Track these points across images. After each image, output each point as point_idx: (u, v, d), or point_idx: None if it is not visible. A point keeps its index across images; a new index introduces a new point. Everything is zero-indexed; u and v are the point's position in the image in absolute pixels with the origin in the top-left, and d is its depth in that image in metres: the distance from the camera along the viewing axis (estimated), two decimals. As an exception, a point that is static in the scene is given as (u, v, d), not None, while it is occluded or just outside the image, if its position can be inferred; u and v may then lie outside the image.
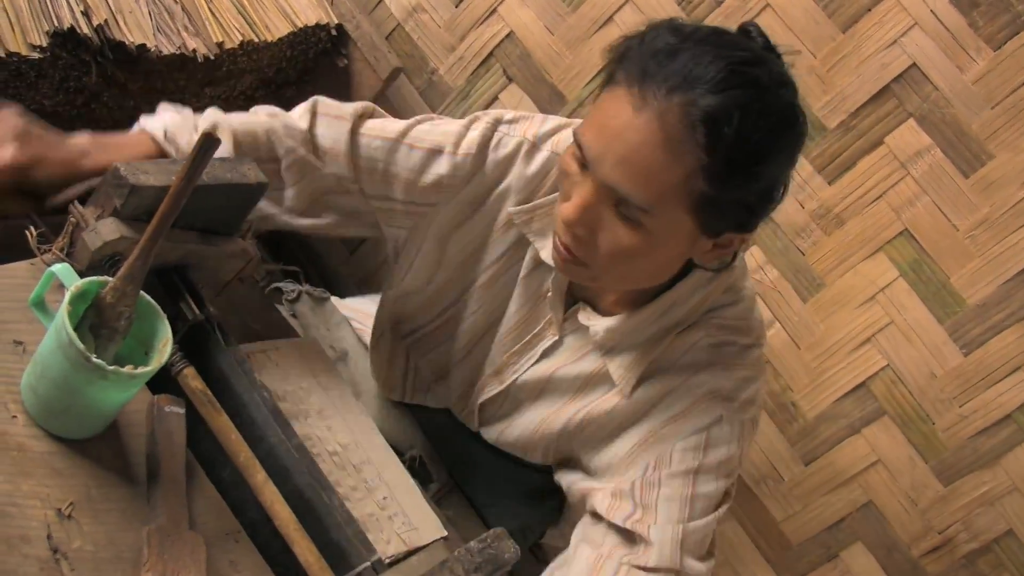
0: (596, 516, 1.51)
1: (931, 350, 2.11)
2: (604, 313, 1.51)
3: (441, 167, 1.53)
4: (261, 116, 1.54)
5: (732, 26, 1.36)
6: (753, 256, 2.22)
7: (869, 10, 2.08)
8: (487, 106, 2.44)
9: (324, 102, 1.58)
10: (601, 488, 1.51)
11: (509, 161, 1.53)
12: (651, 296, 1.46)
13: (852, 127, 2.11)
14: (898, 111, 2.08)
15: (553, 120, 1.56)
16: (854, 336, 2.16)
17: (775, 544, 2.29)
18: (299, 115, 1.56)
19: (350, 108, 1.57)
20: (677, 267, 1.41)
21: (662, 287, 1.45)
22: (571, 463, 1.62)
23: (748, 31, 1.34)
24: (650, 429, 1.49)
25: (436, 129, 1.55)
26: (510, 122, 1.55)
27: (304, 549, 1.13)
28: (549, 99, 2.37)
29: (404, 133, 1.55)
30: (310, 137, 1.54)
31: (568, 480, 1.61)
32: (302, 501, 1.20)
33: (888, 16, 2.06)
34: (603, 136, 1.26)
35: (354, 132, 1.55)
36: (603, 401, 1.53)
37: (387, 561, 1.28)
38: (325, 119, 1.56)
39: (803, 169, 2.13)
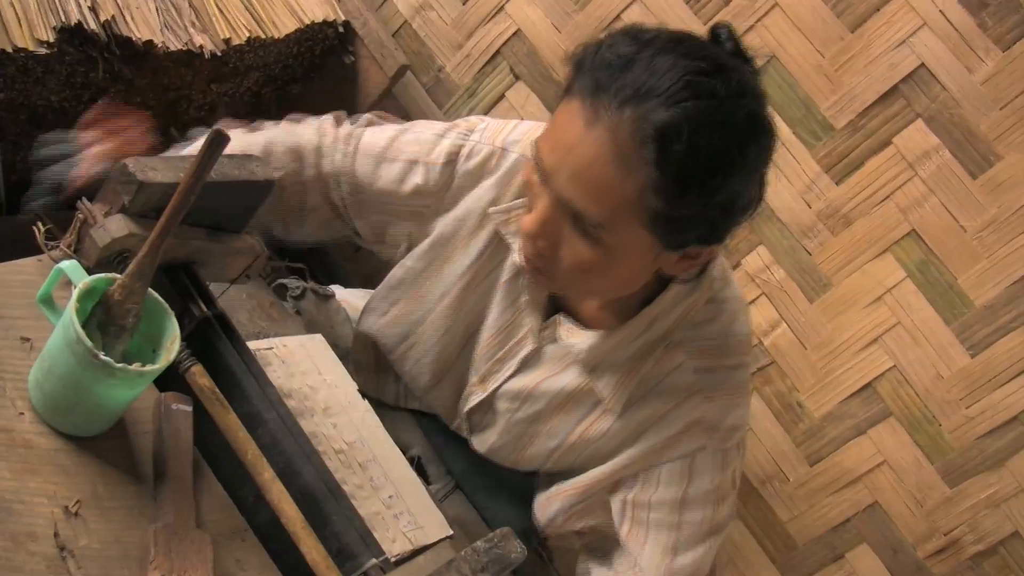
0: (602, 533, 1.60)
1: (938, 351, 2.10)
2: (586, 323, 1.51)
3: (416, 177, 1.56)
4: (309, 133, 1.60)
5: (740, 27, 1.34)
6: (759, 255, 2.22)
7: (878, 10, 2.07)
8: (494, 104, 2.44)
9: (343, 119, 1.65)
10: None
11: (480, 169, 1.54)
12: (633, 306, 1.45)
13: (860, 127, 2.11)
14: (906, 111, 2.08)
15: (527, 124, 1.56)
16: (861, 336, 2.16)
17: (780, 544, 2.29)
18: (335, 141, 1.62)
19: (359, 126, 1.63)
20: (645, 279, 1.39)
21: (644, 298, 1.44)
22: (554, 475, 1.64)
23: (718, 34, 1.30)
24: (641, 451, 1.51)
25: (416, 139, 1.58)
26: (483, 130, 1.56)
27: (311, 547, 1.12)
28: (556, 97, 2.34)
29: (387, 147, 1.58)
30: (318, 153, 1.61)
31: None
32: (309, 499, 1.20)
33: (897, 16, 2.05)
34: (557, 150, 1.25)
35: (355, 151, 1.59)
36: (596, 423, 1.53)
37: (393, 560, 1.28)
38: (336, 142, 1.61)
39: (810, 169, 2.13)
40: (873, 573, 2.22)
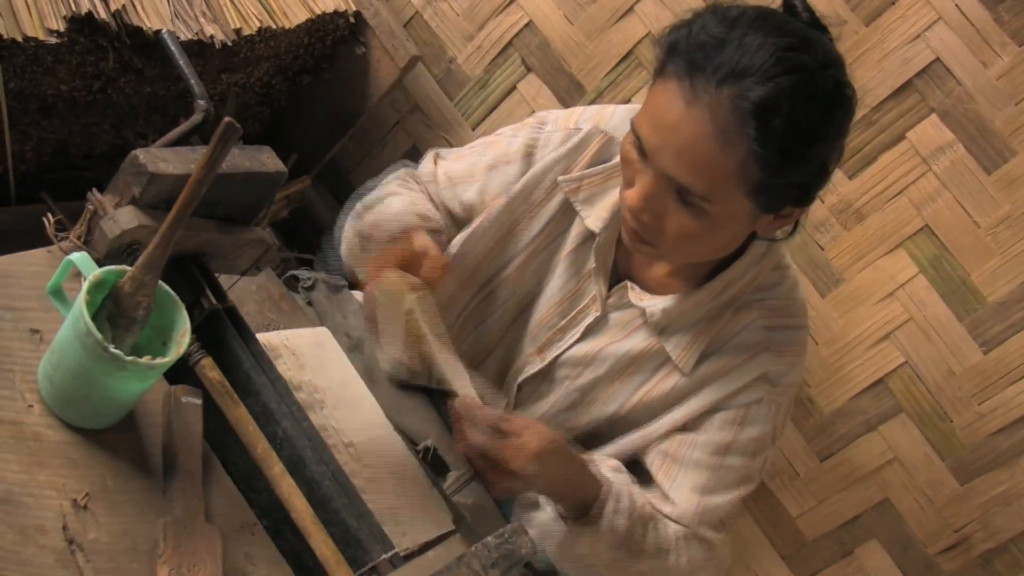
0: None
1: (950, 347, 2.09)
2: (651, 290, 1.55)
3: (498, 178, 1.65)
4: (415, 199, 1.67)
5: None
6: (772, 250, 2.21)
7: (893, 3, 2.06)
8: (505, 96, 2.44)
9: (414, 173, 1.73)
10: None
11: (555, 150, 1.60)
12: (704, 271, 1.51)
13: (874, 122, 2.10)
14: (920, 106, 2.07)
15: (594, 107, 1.63)
16: (872, 332, 2.15)
17: (789, 540, 2.28)
18: (424, 185, 1.73)
19: (428, 169, 1.73)
20: (740, 241, 1.46)
21: (715, 263, 1.50)
22: (604, 439, 1.65)
23: (793, 5, 1.36)
24: (701, 404, 1.55)
25: (492, 151, 1.66)
26: (554, 120, 1.63)
27: (320, 542, 1.12)
28: (568, 89, 2.36)
29: (468, 173, 1.68)
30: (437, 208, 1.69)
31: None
32: (318, 493, 1.19)
33: (912, 10, 2.04)
34: (659, 130, 1.30)
35: (437, 193, 1.70)
36: (662, 382, 1.57)
37: (403, 555, 1.27)
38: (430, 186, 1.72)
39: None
40: (882, 569, 2.22)
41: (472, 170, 1.68)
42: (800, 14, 1.35)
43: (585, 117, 1.60)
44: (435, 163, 1.73)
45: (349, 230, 1.67)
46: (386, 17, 2.38)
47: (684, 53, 1.29)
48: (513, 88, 2.42)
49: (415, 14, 2.50)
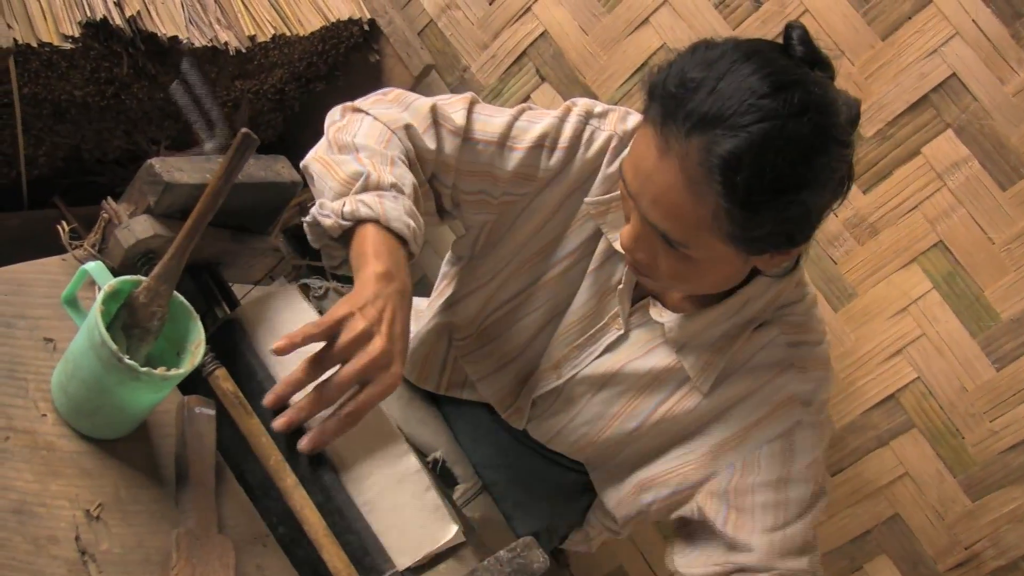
0: (699, 522, 1.55)
1: (963, 364, 2.08)
2: (672, 308, 1.52)
3: (538, 162, 1.54)
4: (402, 147, 1.48)
5: (769, 33, 1.33)
6: (784, 264, 2.20)
7: (909, 18, 2.05)
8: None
9: (441, 112, 1.53)
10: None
11: (598, 156, 1.54)
12: (723, 293, 1.47)
13: (889, 136, 2.09)
14: (936, 121, 2.06)
15: (634, 117, 1.56)
16: (885, 347, 2.14)
17: (799, 555, 2.27)
18: (423, 129, 1.51)
19: (460, 115, 1.53)
20: (742, 276, 1.42)
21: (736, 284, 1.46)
22: (625, 457, 1.62)
23: (790, 39, 1.30)
24: (732, 430, 1.52)
25: (533, 125, 1.54)
26: (600, 116, 1.55)
27: (333, 554, 1.12)
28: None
29: (506, 135, 1.54)
30: (437, 154, 1.52)
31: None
32: (330, 506, 1.19)
33: (929, 25, 2.03)
34: (638, 176, 1.29)
35: (465, 141, 1.53)
36: (683, 401, 1.53)
37: (413, 567, 1.27)
38: (446, 133, 1.53)
39: (838, 177, 2.12)
40: (892, 586, 2.21)
41: (513, 136, 1.54)
42: (795, 47, 1.29)
43: (628, 128, 1.53)
44: (470, 111, 1.55)
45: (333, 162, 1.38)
46: (400, 25, 2.38)
47: (660, 98, 1.25)
48: (527, 98, 2.41)
49: (429, 22, 2.49)
